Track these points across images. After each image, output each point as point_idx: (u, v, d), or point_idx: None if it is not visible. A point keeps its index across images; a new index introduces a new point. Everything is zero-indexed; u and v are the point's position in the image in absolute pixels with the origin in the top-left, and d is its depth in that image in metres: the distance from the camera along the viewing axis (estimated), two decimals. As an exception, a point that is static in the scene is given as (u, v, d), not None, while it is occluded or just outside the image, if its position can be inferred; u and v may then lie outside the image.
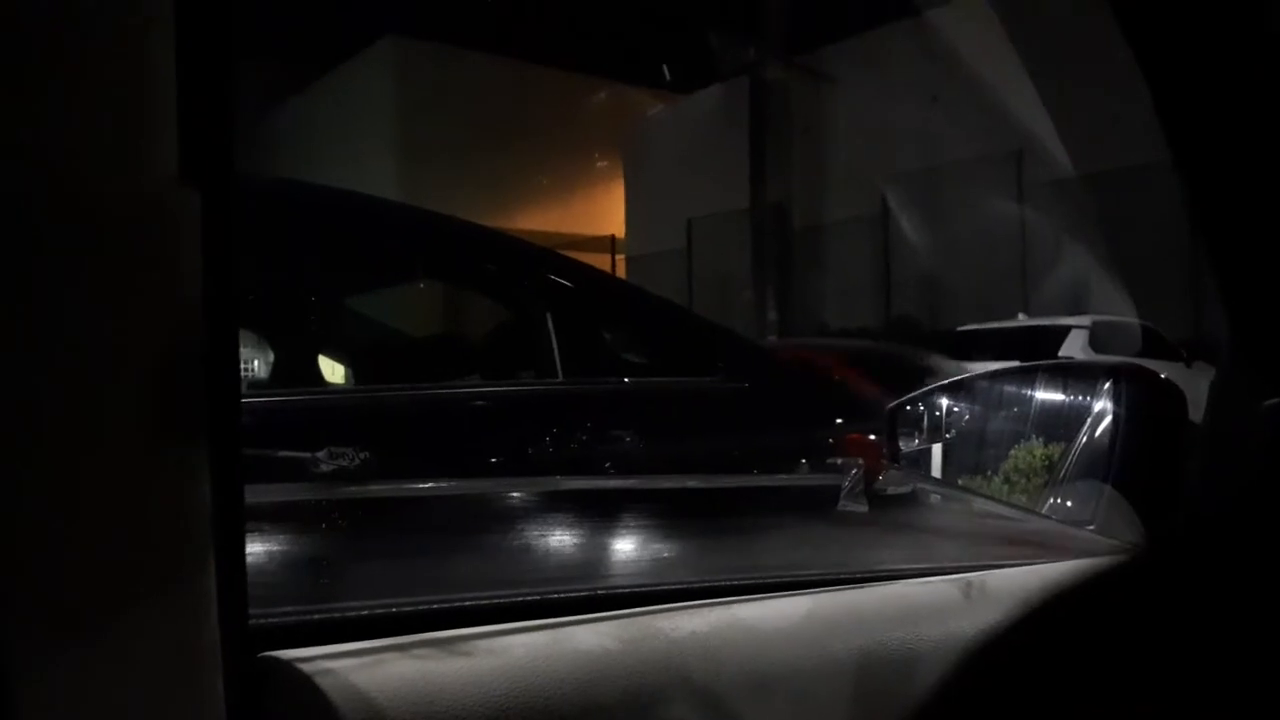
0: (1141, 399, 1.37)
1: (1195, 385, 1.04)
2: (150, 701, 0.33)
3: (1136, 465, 1.26)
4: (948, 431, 1.50)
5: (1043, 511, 1.51)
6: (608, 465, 1.58)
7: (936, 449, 1.71)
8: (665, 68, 14.32)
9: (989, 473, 1.71)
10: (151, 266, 0.32)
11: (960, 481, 1.74)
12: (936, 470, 1.74)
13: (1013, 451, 1.69)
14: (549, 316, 1.89)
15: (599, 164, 16.41)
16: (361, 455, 0.73)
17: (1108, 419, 1.41)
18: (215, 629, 0.35)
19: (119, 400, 0.31)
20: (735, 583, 0.59)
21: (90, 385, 0.31)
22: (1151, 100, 0.78)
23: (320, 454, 0.71)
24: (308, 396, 1.76)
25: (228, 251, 0.34)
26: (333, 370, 2.34)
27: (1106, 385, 1.47)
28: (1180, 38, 0.74)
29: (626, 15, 13.63)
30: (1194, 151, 0.80)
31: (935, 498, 1.12)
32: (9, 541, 0.29)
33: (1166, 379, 1.47)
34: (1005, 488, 1.70)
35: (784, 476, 1.14)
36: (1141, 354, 7.35)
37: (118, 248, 0.31)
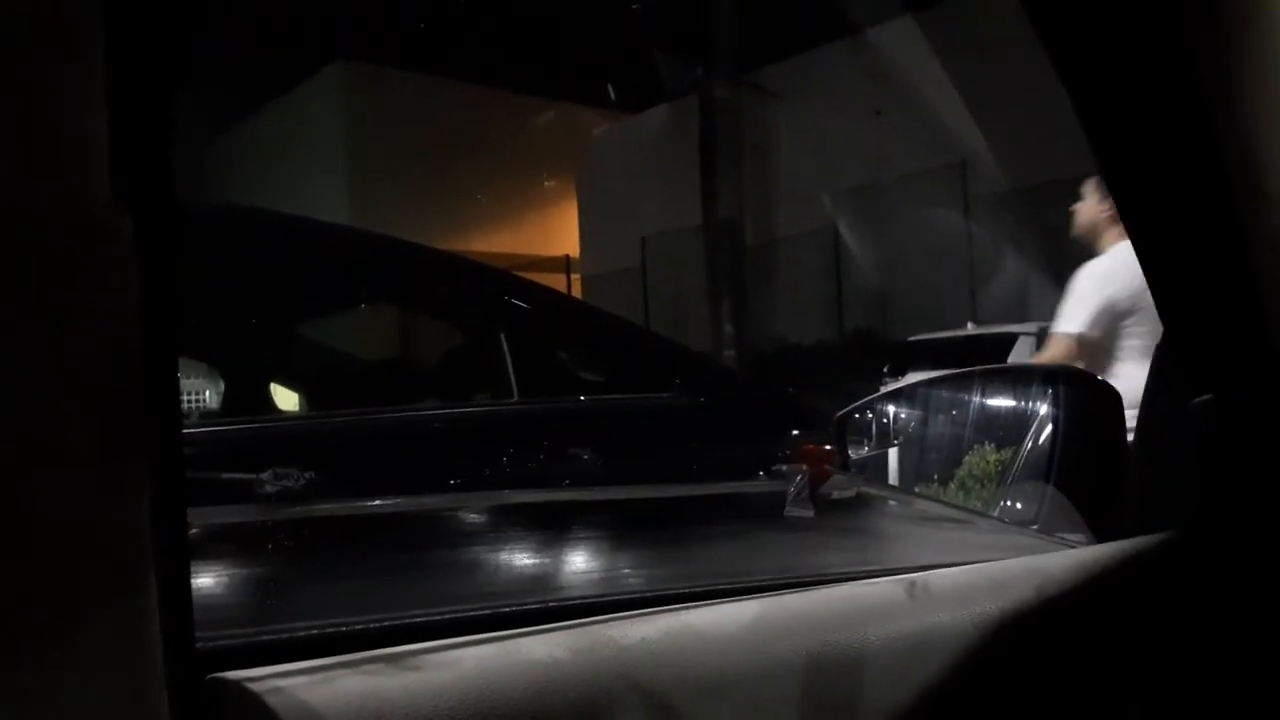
0: (1079, 401, 1.42)
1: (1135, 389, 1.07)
2: None
3: (1076, 465, 1.30)
4: (896, 438, 1.54)
5: (995, 514, 1.55)
6: (566, 483, 1.58)
7: (893, 457, 1.74)
8: (610, 88, 14.43)
9: (942, 479, 1.74)
10: (86, 290, 0.32)
11: (917, 489, 1.77)
12: (893, 478, 1.77)
13: (967, 458, 1.74)
14: (504, 337, 1.89)
15: (552, 184, 16.44)
16: (307, 475, 0.72)
17: (1049, 422, 1.46)
18: (158, 651, 0.35)
19: (56, 424, 0.32)
20: (685, 590, 0.60)
21: (26, 409, 0.31)
22: (1075, 111, 0.81)
23: (264, 475, 0.71)
24: (259, 424, 1.73)
25: (168, 275, 0.34)
26: (285, 397, 2.31)
27: (1047, 389, 1.52)
28: (1094, 49, 0.77)
29: (574, 36, 13.72)
30: (1118, 161, 0.83)
31: (879, 501, 1.14)
32: None
33: (1102, 380, 1.52)
34: (961, 494, 1.74)
35: (731, 484, 1.15)
36: (1086, 359, 7.52)
37: (51, 273, 0.31)
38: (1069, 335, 2.66)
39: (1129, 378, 2.11)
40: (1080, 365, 2.51)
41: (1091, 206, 2.81)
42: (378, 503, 0.80)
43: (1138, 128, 0.79)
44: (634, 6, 11.77)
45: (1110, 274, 2.61)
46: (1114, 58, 0.77)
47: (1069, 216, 3.13)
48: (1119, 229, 2.57)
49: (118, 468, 0.33)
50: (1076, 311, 2.66)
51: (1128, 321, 2.59)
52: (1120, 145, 0.82)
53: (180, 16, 0.37)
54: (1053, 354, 2.71)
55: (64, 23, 0.31)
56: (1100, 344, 2.60)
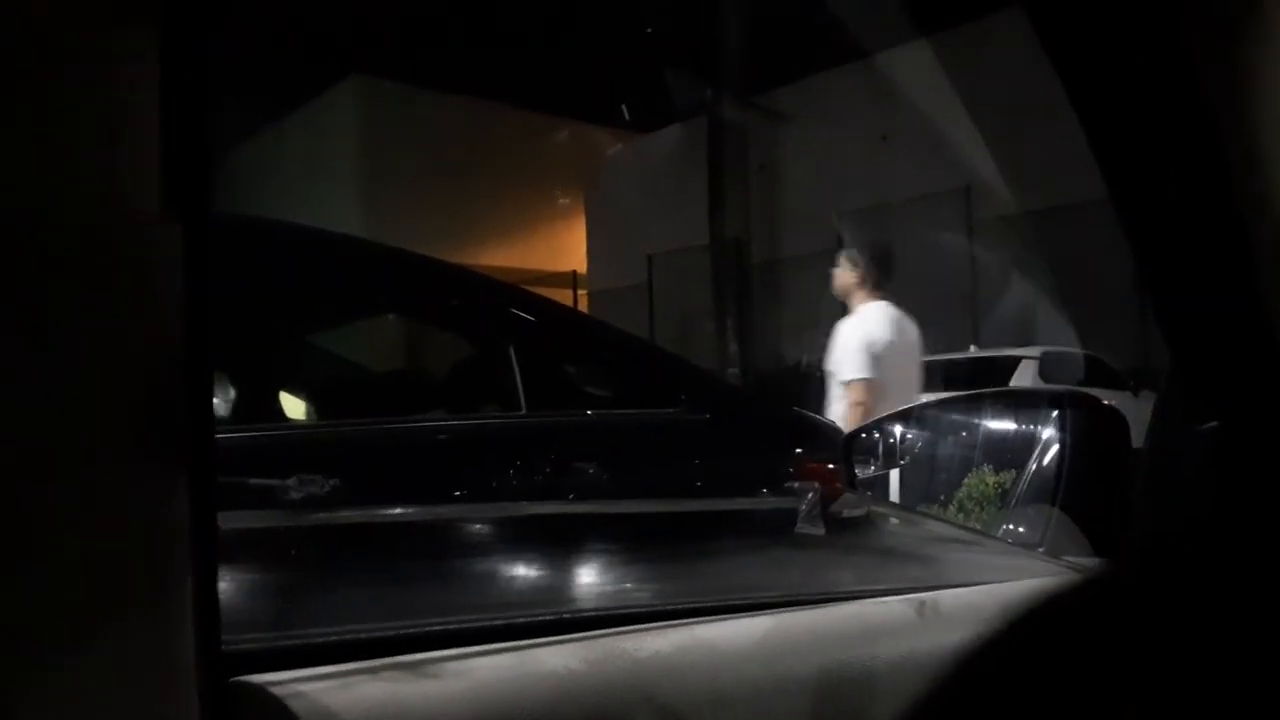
0: (1085, 425, 1.42)
1: (1142, 413, 1.08)
2: None
3: (1082, 489, 1.30)
4: (902, 458, 1.54)
5: (999, 535, 1.55)
6: (571, 497, 1.58)
7: (894, 477, 1.74)
8: (624, 108, 14.51)
9: (944, 500, 1.74)
10: (137, 296, 0.33)
11: (918, 509, 1.77)
12: (894, 497, 1.77)
13: (966, 480, 1.74)
14: (512, 350, 1.90)
15: (561, 201, 16.51)
16: (331, 482, 0.73)
17: (1055, 445, 1.46)
18: (191, 651, 0.35)
19: (97, 426, 0.32)
20: (697, 604, 0.61)
21: (73, 409, 0.32)
22: (1085, 135, 0.82)
23: (290, 481, 0.71)
24: (269, 433, 1.74)
25: (205, 282, 0.35)
26: (295, 406, 2.32)
27: (1053, 413, 1.52)
28: (1107, 74, 0.77)
29: (588, 56, 13.81)
30: (1124, 181, 0.84)
31: (889, 521, 1.14)
32: None
33: (1109, 404, 1.52)
34: (960, 515, 1.74)
35: (743, 501, 1.15)
36: (1089, 383, 7.53)
37: (104, 279, 0.32)
38: (862, 379, 3.27)
39: (901, 402, 2.72)
40: (871, 402, 3.05)
41: (844, 273, 3.52)
42: (398, 511, 0.81)
43: (1145, 147, 0.79)
44: (648, 31, 11.87)
45: (860, 325, 3.35)
46: (1119, 72, 0.77)
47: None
48: (865, 291, 3.43)
49: (156, 470, 0.34)
50: (854, 360, 3.30)
51: (882, 360, 3.28)
52: (1127, 165, 0.82)
53: (218, 23, 0.38)
54: (856, 397, 3.23)
55: (120, 30, 0.32)
56: (877, 381, 3.24)
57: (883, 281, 3.53)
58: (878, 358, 3.29)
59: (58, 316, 0.31)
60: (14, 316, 0.30)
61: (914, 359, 3.54)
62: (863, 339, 3.31)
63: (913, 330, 3.52)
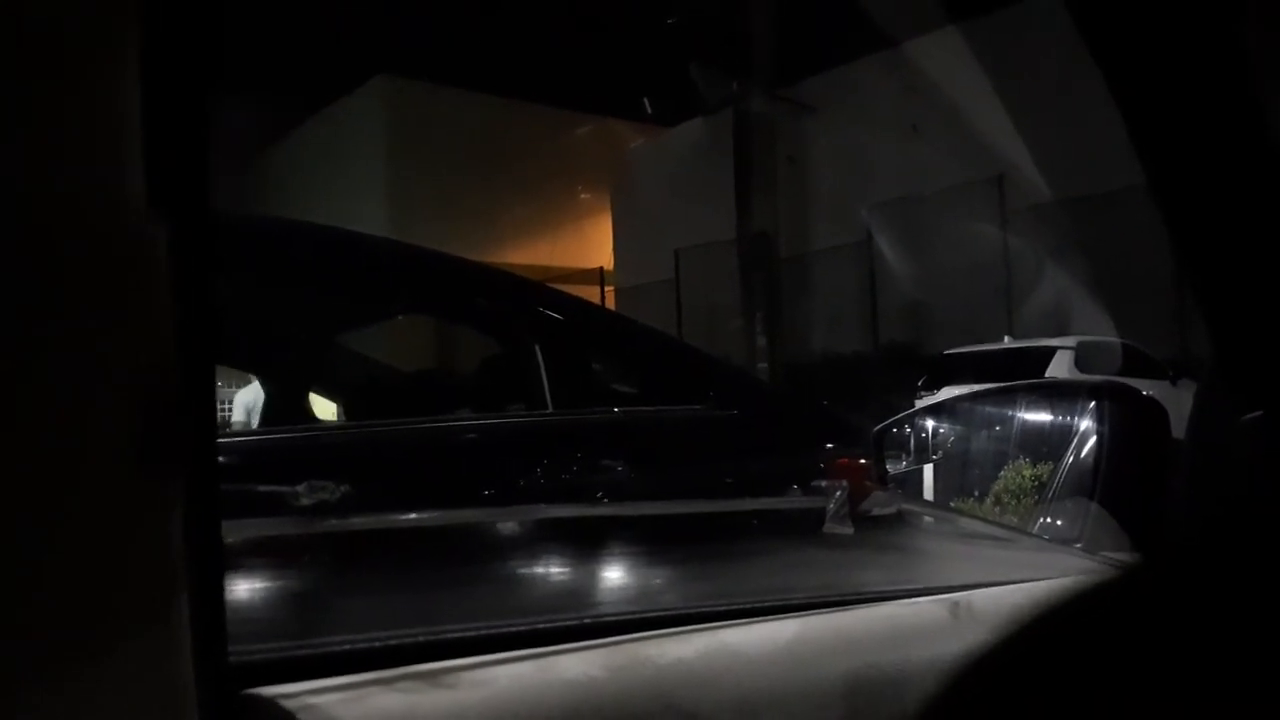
0: (1125, 417, 1.38)
1: (1181, 402, 1.05)
2: None
3: (1122, 482, 1.26)
4: (934, 453, 1.51)
5: (1033, 531, 1.52)
6: (599, 495, 1.57)
7: (928, 472, 1.72)
8: (647, 101, 14.49)
9: (979, 494, 1.71)
10: (122, 299, 0.32)
11: (951, 503, 1.74)
12: (928, 492, 1.75)
13: (1002, 473, 1.70)
14: (538, 349, 1.90)
15: (587, 197, 16.53)
16: (342, 489, 0.72)
17: (1093, 438, 1.42)
18: (189, 666, 0.34)
19: (93, 435, 0.31)
20: (722, 607, 0.59)
21: (64, 420, 0.31)
22: (1124, 122, 0.79)
23: (300, 488, 0.71)
24: (297, 434, 1.75)
25: (202, 284, 0.34)
26: (323, 406, 2.33)
27: (1090, 404, 1.48)
28: (1150, 56, 0.75)
29: (611, 51, 13.81)
30: (1169, 172, 0.81)
31: (921, 518, 1.12)
32: None
33: (1149, 396, 1.48)
34: (996, 509, 1.71)
35: (769, 500, 1.14)
36: (1127, 372, 7.40)
37: (87, 282, 0.31)
38: None
39: None
40: None
41: None
42: (412, 516, 0.80)
43: (1187, 133, 0.77)
44: (669, 21, 11.82)
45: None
46: (1168, 67, 0.75)
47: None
48: None
49: (151, 480, 0.33)
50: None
51: None
52: (1170, 153, 0.80)
53: (213, 24, 0.37)
54: None
55: (99, 30, 0.31)
56: None
57: None
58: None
59: (46, 319, 0.30)
60: (6, 320, 0.29)
61: None
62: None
63: None
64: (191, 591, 0.34)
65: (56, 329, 0.31)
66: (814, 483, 0.90)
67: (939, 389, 8.01)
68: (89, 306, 0.32)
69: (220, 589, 0.37)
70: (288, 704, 0.40)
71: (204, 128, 0.34)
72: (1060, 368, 7.78)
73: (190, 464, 0.34)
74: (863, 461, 1.58)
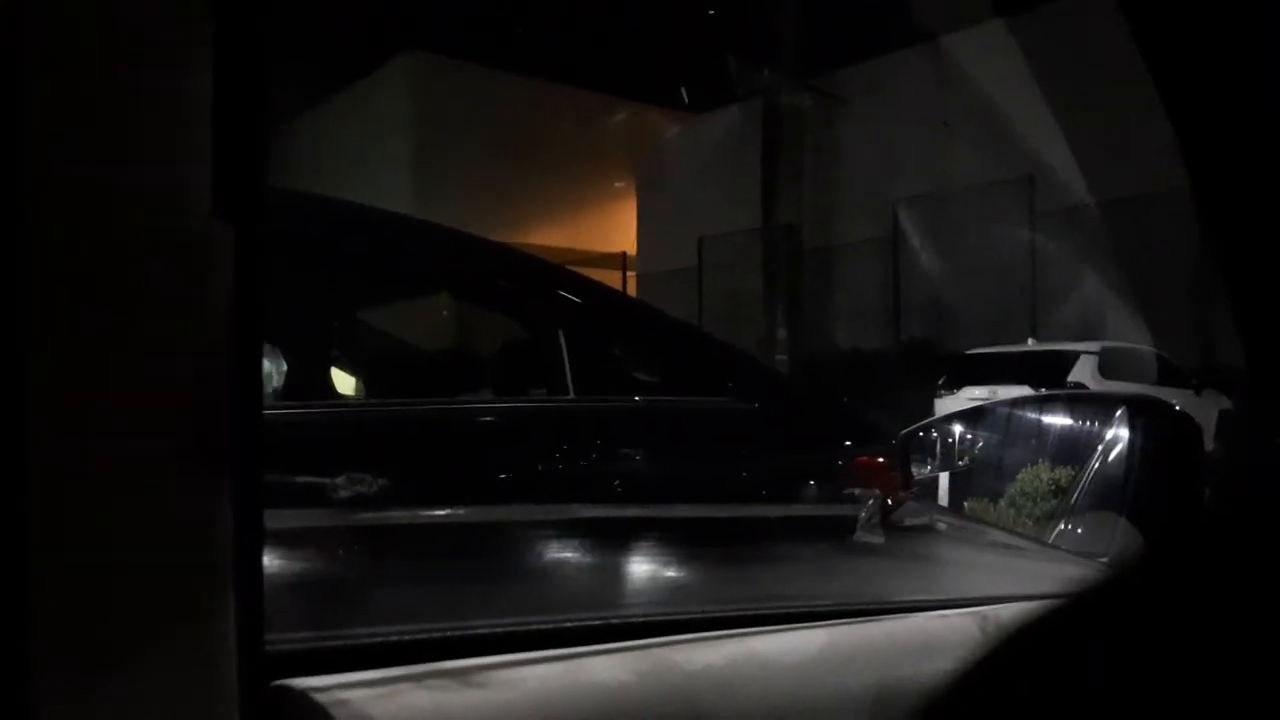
0: (1158, 433, 1.36)
1: (1204, 412, 1.03)
2: None
3: (1153, 498, 1.24)
4: (960, 459, 1.49)
5: (1052, 540, 1.50)
6: (617, 483, 1.57)
7: (943, 475, 1.70)
8: (683, 89, 14.41)
9: (995, 497, 1.70)
10: (186, 300, 0.32)
11: (966, 505, 1.73)
12: (944, 495, 1.73)
13: (1019, 474, 1.69)
14: (561, 333, 1.89)
15: (612, 182, 16.49)
16: (380, 481, 0.72)
17: (1122, 450, 1.40)
18: (234, 658, 0.34)
19: (146, 429, 0.31)
20: (751, 613, 0.58)
21: (119, 416, 0.31)
22: (1171, 124, 0.77)
23: (339, 479, 0.71)
24: (320, 410, 1.76)
25: (255, 283, 0.34)
26: (345, 383, 2.34)
27: (1121, 416, 1.46)
28: (1204, 62, 0.73)
29: (643, 37, 13.73)
30: (1216, 180, 0.79)
31: (952, 530, 1.11)
32: (34, 569, 0.29)
33: (1182, 411, 1.46)
34: (1011, 511, 1.69)
35: (801, 506, 1.13)
36: (1150, 380, 7.32)
37: (154, 283, 0.31)
38: None
39: None
40: None
41: None
42: (446, 512, 0.80)
43: (1240, 141, 0.75)
44: (710, 12, 11.74)
45: None
46: (1222, 75, 0.73)
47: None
48: None
49: (204, 471, 0.33)
50: None
51: None
52: (1219, 167, 0.78)
53: (271, 29, 0.36)
54: None
55: (174, 35, 0.31)
56: None
57: None
58: None
59: (113, 319, 0.30)
60: (74, 320, 0.29)
61: None
62: None
63: None
64: (236, 584, 0.34)
65: (123, 327, 0.31)
66: (845, 489, 0.89)
67: (959, 389, 7.96)
68: (154, 306, 0.31)
69: (260, 581, 0.36)
70: (319, 698, 0.40)
71: (267, 130, 0.34)
72: (1083, 373, 7.70)
73: (239, 457, 0.34)
74: (882, 460, 1.57)
